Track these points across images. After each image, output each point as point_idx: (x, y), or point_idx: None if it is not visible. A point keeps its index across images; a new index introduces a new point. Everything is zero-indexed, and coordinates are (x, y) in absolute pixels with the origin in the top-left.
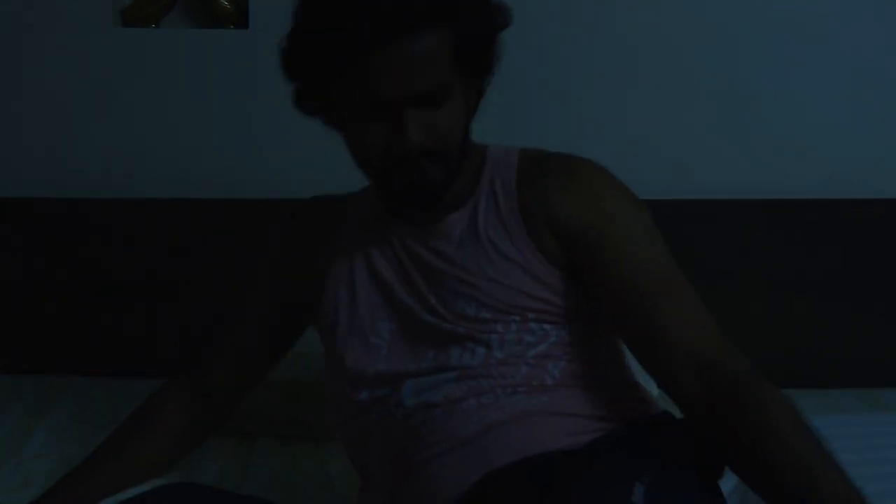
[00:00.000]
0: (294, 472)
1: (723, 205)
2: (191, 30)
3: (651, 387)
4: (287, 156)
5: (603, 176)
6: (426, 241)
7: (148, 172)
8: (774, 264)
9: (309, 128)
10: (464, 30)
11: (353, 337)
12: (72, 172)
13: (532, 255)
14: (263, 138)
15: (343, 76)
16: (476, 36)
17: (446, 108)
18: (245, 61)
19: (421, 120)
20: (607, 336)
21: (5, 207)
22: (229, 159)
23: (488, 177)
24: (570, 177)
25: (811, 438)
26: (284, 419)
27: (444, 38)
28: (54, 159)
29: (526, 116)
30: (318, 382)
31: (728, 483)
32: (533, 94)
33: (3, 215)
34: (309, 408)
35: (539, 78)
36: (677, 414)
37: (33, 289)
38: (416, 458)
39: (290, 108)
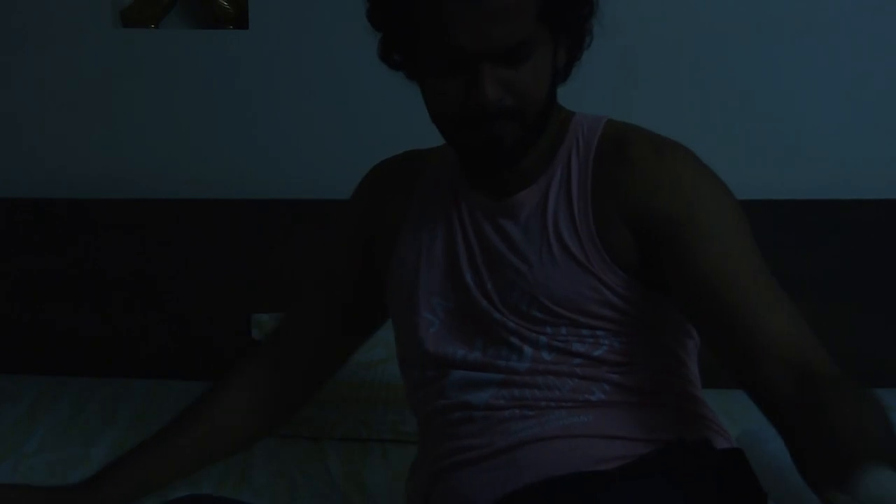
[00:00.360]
0: (294, 471)
1: None
2: (191, 30)
3: None
4: (287, 156)
5: (690, 160)
6: (495, 216)
7: (148, 172)
8: (774, 264)
9: (308, 128)
10: None
11: (409, 310)
12: (72, 172)
13: (595, 252)
14: (263, 138)
15: (421, 27)
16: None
17: (529, 65)
18: (245, 62)
19: (499, 76)
20: (671, 347)
21: (5, 207)
22: (229, 159)
23: (566, 150)
24: (654, 162)
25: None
26: None
27: None
28: (54, 159)
29: None
30: None
31: None
32: None
33: (4, 215)
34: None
35: None
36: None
37: (33, 289)
38: (448, 460)
39: (289, 108)
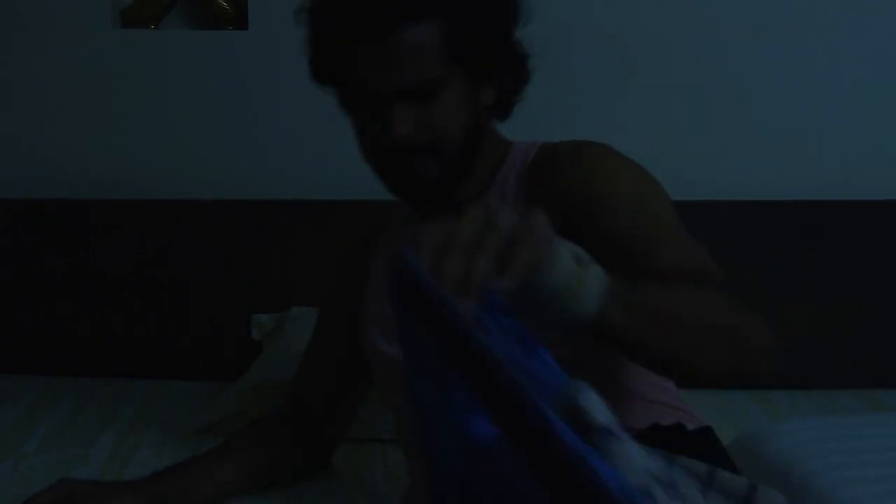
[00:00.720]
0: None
1: (723, 206)
2: (190, 31)
3: None
4: (286, 156)
5: (611, 153)
6: None
7: (147, 173)
8: (774, 264)
9: (307, 128)
10: (457, 22)
11: (383, 360)
12: (71, 173)
13: None
14: (263, 139)
15: (337, 69)
16: (472, 28)
17: (439, 102)
18: (244, 62)
19: (410, 114)
20: None
21: (5, 207)
22: (229, 160)
23: (504, 174)
24: (576, 154)
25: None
26: None
27: (434, 30)
28: (54, 160)
29: (525, 117)
30: None
31: None
32: (531, 95)
33: (4, 215)
34: None
35: (538, 78)
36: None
37: (33, 289)
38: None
39: (289, 108)
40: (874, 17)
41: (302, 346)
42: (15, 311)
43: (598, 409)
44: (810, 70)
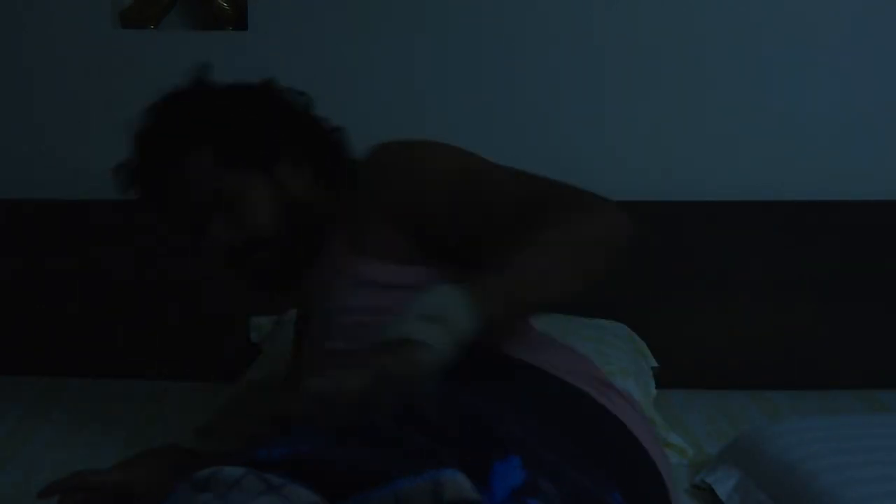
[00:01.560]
0: None
1: (723, 206)
2: (190, 31)
3: None
4: None
5: (402, 151)
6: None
7: None
8: (774, 264)
9: None
10: (221, 142)
11: None
12: (71, 173)
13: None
14: None
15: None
16: (238, 142)
17: (243, 203)
18: (244, 62)
19: (221, 222)
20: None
21: (6, 207)
22: None
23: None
24: (392, 158)
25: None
26: None
27: (203, 154)
28: (54, 160)
29: (528, 118)
30: None
31: (727, 483)
32: (533, 95)
33: (4, 215)
34: None
35: (537, 81)
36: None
37: (33, 289)
38: None
39: None
40: (874, 17)
41: None
42: (15, 311)
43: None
44: (810, 70)
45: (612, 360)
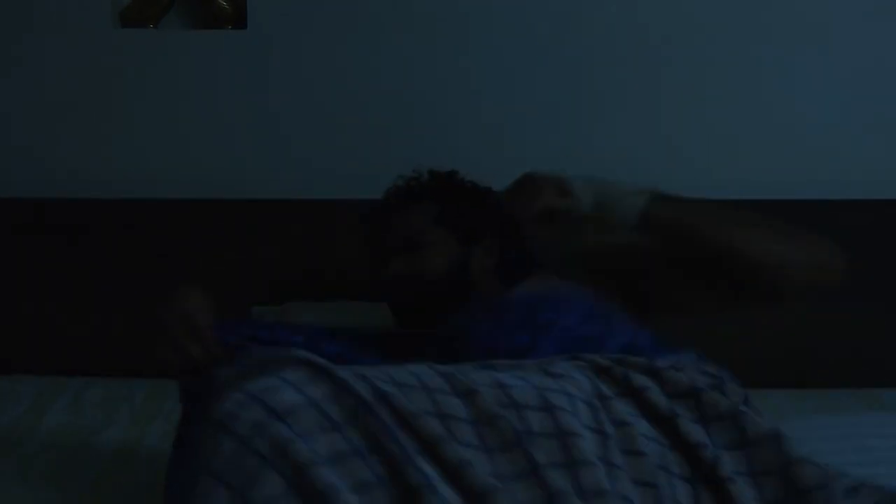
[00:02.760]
0: None
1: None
2: (190, 31)
3: None
4: (286, 156)
5: None
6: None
7: (147, 173)
8: None
9: (307, 127)
10: (445, 205)
11: None
12: (71, 173)
13: None
14: (262, 138)
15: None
16: (455, 210)
17: (430, 251)
18: (243, 62)
19: (403, 260)
20: None
21: (5, 207)
22: (229, 159)
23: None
24: None
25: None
26: None
27: (430, 208)
28: (54, 159)
29: (531, 118)
30: None
31: None
32: (538, 95)
33: (3, 215)
34: None
35: (544, 78)
36: None
37: (33, 289)
38: None
39: (289, 108)
40: (874, 18)
41: None
42: (15, 311)
43: None
44: (810, 70)
45: None
